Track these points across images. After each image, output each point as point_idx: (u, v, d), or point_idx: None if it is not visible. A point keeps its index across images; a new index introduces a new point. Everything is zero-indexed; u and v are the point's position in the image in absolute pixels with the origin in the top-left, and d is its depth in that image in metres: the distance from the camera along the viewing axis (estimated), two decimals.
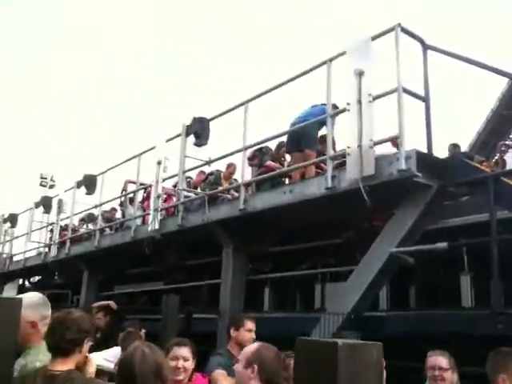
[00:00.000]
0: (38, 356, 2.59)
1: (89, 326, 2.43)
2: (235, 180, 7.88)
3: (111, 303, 6.97)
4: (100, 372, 3.57)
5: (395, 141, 6.63)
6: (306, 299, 7.08)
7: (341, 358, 0.85)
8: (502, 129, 15.21)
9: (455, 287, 5.36)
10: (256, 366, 2.34)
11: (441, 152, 5.62)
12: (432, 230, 5.34)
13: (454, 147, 8.57)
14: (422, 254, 4.78)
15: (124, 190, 10.45)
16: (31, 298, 2.80)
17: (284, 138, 6.86)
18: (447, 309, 5.03)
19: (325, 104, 5.34)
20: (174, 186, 8.34)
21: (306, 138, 6.09)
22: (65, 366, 2.29)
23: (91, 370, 2.58)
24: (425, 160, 4.36)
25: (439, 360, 3.50)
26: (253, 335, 3.92)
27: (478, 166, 4.70)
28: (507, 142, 8.58)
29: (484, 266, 4.49)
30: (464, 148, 12.76)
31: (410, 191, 4.51)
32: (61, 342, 2.30)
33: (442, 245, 4.21)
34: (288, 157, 7.23)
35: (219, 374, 3.42)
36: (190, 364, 3.21)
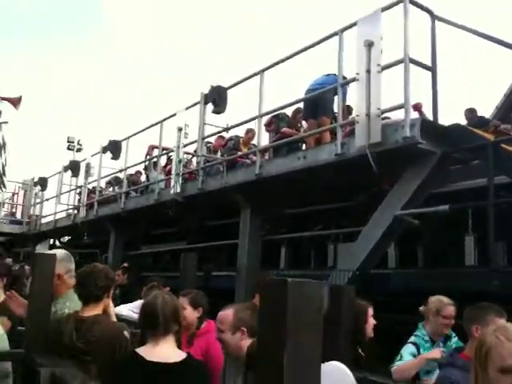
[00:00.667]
0: (66, 303, 3.03)
1: (113, 275, 2.82)
2: (254, 145, 8.17)
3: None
4: (125, 321, 4.00)
5: (418, 106, 6.92)
6: (319, 258, 7.44)
7: (289, 292, 1.13)
8: None
9: (460, 247, 5.63)
10: (244, 328, 2.54)
11: None
12: (441, 192, 5.62)
13: (471, 112, 8.69)
14: (430, 217, 5.07)
15: (148, 154, 10.86)
16: (57, 253, 3.18)
17: (299, 105, 7.11)
18: (447, 267, 5.32)
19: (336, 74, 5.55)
20: (195, 151, 8.68)
21: (322, 104, 6.32)
22: (93, 311, 2.70)
23: (111, 313, 2.98)
24: (429, 127, 4.59)
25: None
26: None
27: (481, 133, 4.89)
28: None
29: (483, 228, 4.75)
30: (491, 110, 12.70)
31: (415, 157, 4.76)
32: (94, 290, 2.70)
33: (444, 207, 4.49)
34: (304, 123, 7.47)
35: None
36: (189, 312, 3.48)
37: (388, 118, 5.70)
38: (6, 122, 5.46)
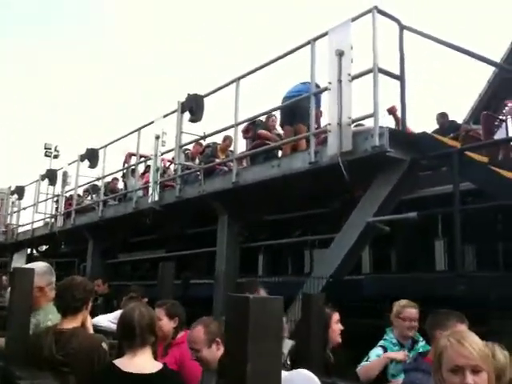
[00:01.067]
0: (48, 316, 3.08)
1: (91, 287, 2.88)
2: (231, 152, 8.26)
3: None
4: (103, 332, 4.05)
5: (393, 110, 7.09)
6: (297, 264, 7.55)
7: (251, 308, 1.23)
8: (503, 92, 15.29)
9: (431, 252, 5.79)
10: (218, 339, 2.68)
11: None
12: (411, 199, 5.79)
13: (442, 116, 8.89)
14: (402, 223, 5.21)
15: (126, 161, 10.86)
16: (38, 266, 3.25)
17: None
18: (415, 272, 5.48)
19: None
20: (173, 159, 8.73)
21: (299, 112, 6.38)
22: (71, 323, 2.76)
23: (89, 325, 3.04)
24: (397, 136, 4.75)
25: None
26: None
27: (446, 140, 5.07)
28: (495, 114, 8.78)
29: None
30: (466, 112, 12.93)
31: (385, 165, 4.91)
32: (71, 302, 2.77)
33: (413, 214, 4.64)
34: (278, 127, 7.59)
35: None
36: (165, 323, 3.55)
37: (362, 124, 5.87)
38: None
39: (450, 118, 8.68)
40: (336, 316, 3.61)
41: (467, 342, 1.84)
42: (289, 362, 3.34)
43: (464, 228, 5.30)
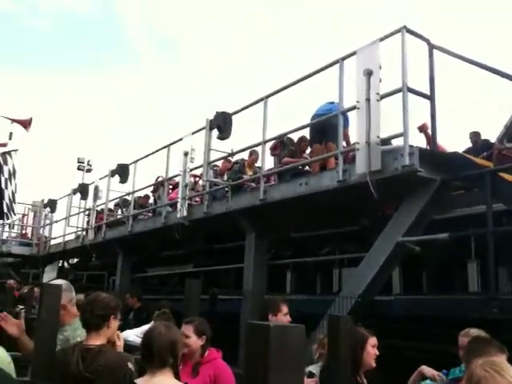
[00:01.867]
0: (76, 331, 3.15)
1: (114, 305, 2.89)
2: (258, 168, 8.26)
3: None
4: (131, 347, 4.07)
5: (424, 128, 7.02)
6: (325, 282, 7.49)
7: (271, 336, 1.22)
8: None
9: (464, 274, 5.67)
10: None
11: None
12: (445, 219, 5.69)
13: (476, 135, 8.74)
14: (434, 243, 5.12)
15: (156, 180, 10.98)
16: (61, 282, 3.36)
17: (303, 132, 7.21)
18: (447, 294, 5.35)
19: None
20: (201, 175, 8.79)
21: (329, 130, 6.30)
22: (97, 340, 2.77)
23: (119, 344, 3.06)
24: (427, 155, 4.67)
25: None
26: (289, 318, 4.07)
27: (479, 161, 4.97)
28: None
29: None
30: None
31: (415, 184, 4.83)
32: (91, 318, 2.79)
33: (444, 235, 4.55)
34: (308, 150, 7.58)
35: None
36: (193, 340, 3.48)
37: (390, 143, 5.81)
38: (16, 150, 5.62)
39: (484, 137, 8.56)
40: (373, 340, 3.53)
41: (507, 374, 1.77)
42: None
43: (498, 249, 5.19)
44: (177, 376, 2.64)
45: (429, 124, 8.01)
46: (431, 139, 4.97)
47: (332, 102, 6.40)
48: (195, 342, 3.55)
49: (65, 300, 3.19)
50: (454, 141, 8.89)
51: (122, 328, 4.93)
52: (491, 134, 8.29)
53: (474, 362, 1.85)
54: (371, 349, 3.45)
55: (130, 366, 2.77)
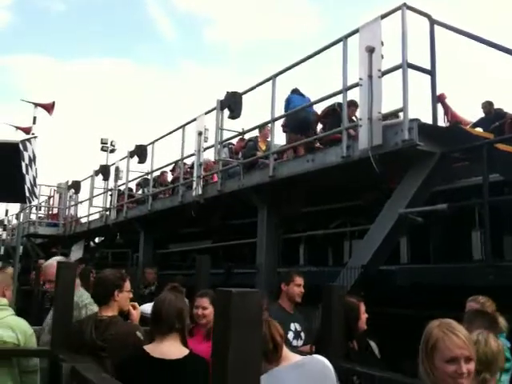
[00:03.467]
0: (82, 297, 3.57)
1: (118, 282, 3.15)
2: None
3: None
4: (147, 319, 4.36)
5: (442, 98, 7.16)
6: (337, 255, 7.69)
7: (232, 300, 1.43)
8: None
9: (468, 242, 5.81)
10: None
11: None
12: (449, 189, 5.82)
13: (489, 104, 8.74)
14: (436, 213, 5.26)
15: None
16: (59, 260, 3.78)
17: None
18: (452, 263, 5.50)
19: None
20: None
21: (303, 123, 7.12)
22: (108, 312, 3.05)
23: (134, 313, 3.34)
24: (427, 129, 4.80)
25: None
26: (302, 289, 4.30)
27: (477, 132, 5.07)
28: None
29: (494, 223, 4.93)
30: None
31: (416, 158, 4.97)
32: (98, 294, 3.08)
33: (443, 206, 4.70)
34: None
35: None
36: (210, 311, 3.73)
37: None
38: (36, 136, 5.86)
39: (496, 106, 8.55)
40: (363, 306, 3.76)
41: (461, 334, 1.95)
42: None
43: (503, 218, 5.31)
44: (183, 341, 2.89)
45: (446, 95, 8.16)
46: (432, 113, 5.06)
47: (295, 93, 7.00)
48: (212, 311, 3.81)
49: None
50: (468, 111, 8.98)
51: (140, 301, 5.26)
52: (504, 103, 8.31)
53: (431, 323, 2.03)
54: (363, 315, 3.68)
55: (139, 334, 3.04)
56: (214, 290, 4.36)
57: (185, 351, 2.77)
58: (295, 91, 7.49)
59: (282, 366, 2.36)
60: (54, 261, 3.88)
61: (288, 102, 7.40)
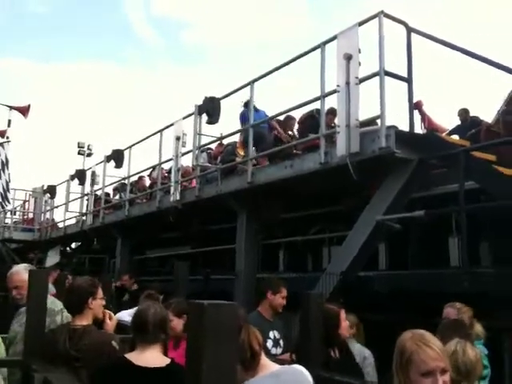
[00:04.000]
0: (55, 303, 3.48)
1: (90, 288, 3.09)
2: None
3: None
4: (126, 327, 4.29)
5: (419, 105, 7.25)
6: (316, 261, 7.71)
7: (207, 313, 1.40)
8: None
9: (445, 249, 5.86)
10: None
11: None
12: (427, 196, 5.86)
13: (465, 112, 8.87)
14: (413, 220, 5.30)
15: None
16: (24, 266, 3.82)
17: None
18: (421, 269, 5.56)
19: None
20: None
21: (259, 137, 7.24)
22: (82, 321, 2.99)
23: (112, 323, 3.29)
24: (404, 137, 4.83)
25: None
26: (284, 302, 4.26)
27: (452, 140, 5.13)
28: None
29: (471, 230, 4.98)
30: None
31: (393, 164, 5.00)
32: (71, 302, 3.02)
33: (419, 213, 4.74)
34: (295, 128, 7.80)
35: None
36: (175, 323, 3.70)
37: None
38: (9, 141, 5.77)
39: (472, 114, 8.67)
40: (343, 313, 3.75)
41: (435, 346, 1.93)
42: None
43: (480, 225, 5.37)
44: (164, 351, 2.85)
45: (423, 102, 8.27)
46: (409, 121, 5.10)
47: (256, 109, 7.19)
48: (177, 323, 3.76)
49: None
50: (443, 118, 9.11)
51: (117, 308, 5.18)
52: (479, 111, 8.45)
53: (403, 335, 2.01)
54: (344, 322, 3.67)
55: (114, 344, 2.99)
56: (186, 299, 4.33)
57: (167, 360, 2.74)
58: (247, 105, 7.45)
59: (259, 376, 2.33)
60: (19, 267, 3.83)
61: (243, 117, 7.48)
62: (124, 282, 8.00)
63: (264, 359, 2.40)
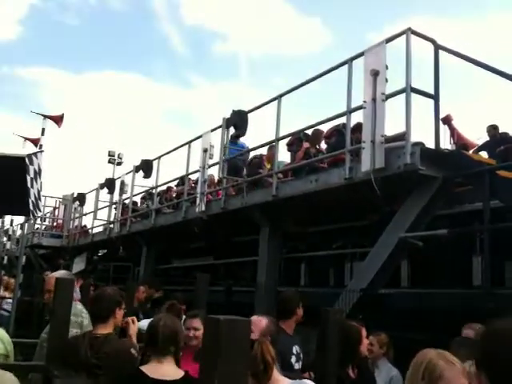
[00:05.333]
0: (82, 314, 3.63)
1: (119, 298, 3.17)
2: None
3: None
4: None
5: (448, 119, 7.23)
6: (338, 276, 7.67)
7: (222, 330, 1.44)
8: None
9: (468, 268, 5.79)
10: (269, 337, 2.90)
11: None
12: (454, 214, 5.80)
13: (494, 128, 8.75)
14: (437, 238, 5.25)
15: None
16: (62, 273, 3.97)
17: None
18: (447, 288, 5.49)
19: None
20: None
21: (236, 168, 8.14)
22: (105, 330, 3.06)
23: (133, 330, 3.35)
24: (429, 154, 4.81)
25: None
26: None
27: (479, 158, 5.08)
28: None
29: (496, 249, 4.91)
30: None
31: (418, 181, 4.98)
32: (99, 311, 3.08)
33: (443, 231, 4.70)
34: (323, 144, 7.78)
35: None
36: (201, 332, 3.55)
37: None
38: (42, 151, 5.94)
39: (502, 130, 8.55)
40: (364, 330, 3.73)
41: (458, 364, 1.96)
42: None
43: (506, 244, 5.29)
44: (177, 364, 2.90)
45: (452, 116, 8.20)
46: (435, 137, 5.07)
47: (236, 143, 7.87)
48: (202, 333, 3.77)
49: None
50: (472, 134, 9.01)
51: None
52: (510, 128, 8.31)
53: (426, 352, 2.02)
54: (365, 339, 3.66)
55: (134, 352, 3.05)
56: (207, 309, 4.37)
57: (181, 373, 2.78)
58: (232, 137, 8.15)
59: None
60: (59, 272, 4.02)
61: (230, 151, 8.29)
62: (141, 292, 7.92)
63: (276, 373, 2.42)
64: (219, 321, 1.45)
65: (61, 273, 3.95)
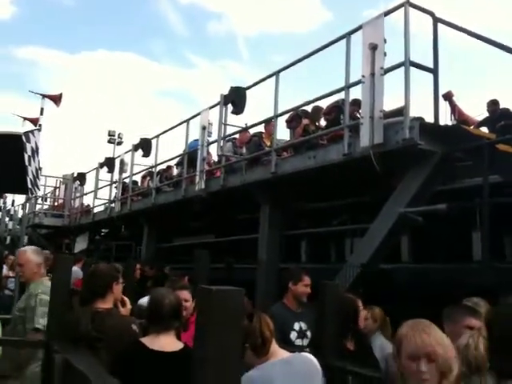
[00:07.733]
0: (38, 288, 3.70)
1: (114, 273, 3.20)
2: None
3: None
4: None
5: (449, 95, 7.16)
6: (339, 252, 7.69)
7: (214, 300, 1.45)
8: None
9: (468, 243, 5.79)
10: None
11: None
12: (455, 189, 5.78)
13: (494, 104, 8.68)
14: (436, 213, 5.24)
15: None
16: (32, 248, 4.09)
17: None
18: (447, 263, 5.50)
19: None
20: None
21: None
22: (105, 304, 3.09)
23: (127, 307, 3.39)
24: (428, 129, 4.78)
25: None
26: (308, 289, 4.20)
27: (478, 133, 5.05)
28: None
29: (494, 224, 4.91)
30: None
31: (417, 157, 4.96)
32: (96, 287, 3.11)
33: (442, 206, 4.69)
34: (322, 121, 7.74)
35: None
36: (191, 304, 3.73)
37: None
38: (39, 129, 5.91)
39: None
40: (359, 302, 3.77)
41: (426, 333, 1.95)
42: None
43: (504, 219, 5.29)
44: (178, 337, 2.93)
45: (453, 93, 8.13)
46: (434, 112, 5.04)
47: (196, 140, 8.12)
48: (192, 304, 3.80)
49: (40, 260, 3.86)
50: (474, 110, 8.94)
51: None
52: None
53: (404, 323, 2.05)
54: (362, 312, 3.69)
55: (134, 327, 3.08)
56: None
57: (180, 344, 2.82)
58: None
59: (269, 361, 2.39)
60: (27, 247, 4.18)
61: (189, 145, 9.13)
62: (139, 270, 7.98)
63: (275, 346, 2.45)
64: (211, 291, 1.46)
65: (31, 248, 4.07)
